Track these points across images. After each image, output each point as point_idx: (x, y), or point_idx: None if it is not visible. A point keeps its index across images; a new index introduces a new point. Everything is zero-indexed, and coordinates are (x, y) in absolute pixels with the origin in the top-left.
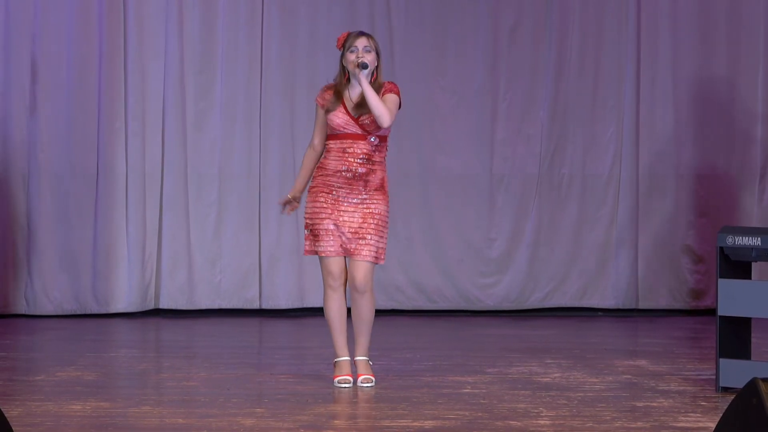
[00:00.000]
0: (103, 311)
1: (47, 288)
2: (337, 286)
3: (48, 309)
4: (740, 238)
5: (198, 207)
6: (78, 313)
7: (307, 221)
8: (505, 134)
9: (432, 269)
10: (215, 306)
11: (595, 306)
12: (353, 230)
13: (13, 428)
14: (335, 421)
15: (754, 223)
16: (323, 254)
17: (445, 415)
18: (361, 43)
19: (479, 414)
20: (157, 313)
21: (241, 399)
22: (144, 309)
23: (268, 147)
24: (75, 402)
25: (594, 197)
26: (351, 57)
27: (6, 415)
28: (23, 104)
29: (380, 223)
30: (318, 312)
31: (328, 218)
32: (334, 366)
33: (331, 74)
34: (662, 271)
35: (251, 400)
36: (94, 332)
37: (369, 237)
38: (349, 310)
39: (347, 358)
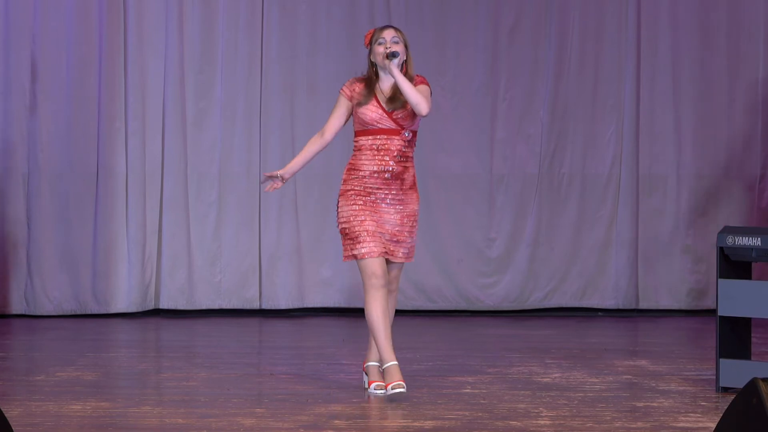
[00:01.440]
0: (103, 311)
1: (47, 288)
2: (380, 285)
3: (48, 309)
4: (740, 238)
5: (198, 207)
6: (78, 313)
7: (344, 226)
8: (505, 134)
9: (432, 269)
10: (215, 306)
11: (595, 306)
12: (392, 233)
13: (13, 428)
14: (335, 421)
15: (754, 223)
16: (364, 256)
17: (445, 415)
18: (389, 34)
19: (479, 414)
20: (157, 313)
21: (241, 399)
22: (144, 309)
23: (268, 146)
24: (75, 402)
25: (594, 197)
26: (379, 49)
27: (6, 415)
28: (23, 104)
29: (414, 223)
30: (318, 312)
31: (369, 220)
32: (375, 372)
33: (330, 74)
34: (662, 271)
35: (251, 400)
36: (93, 332)
37: (404, 240)
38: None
39: (396, 362)
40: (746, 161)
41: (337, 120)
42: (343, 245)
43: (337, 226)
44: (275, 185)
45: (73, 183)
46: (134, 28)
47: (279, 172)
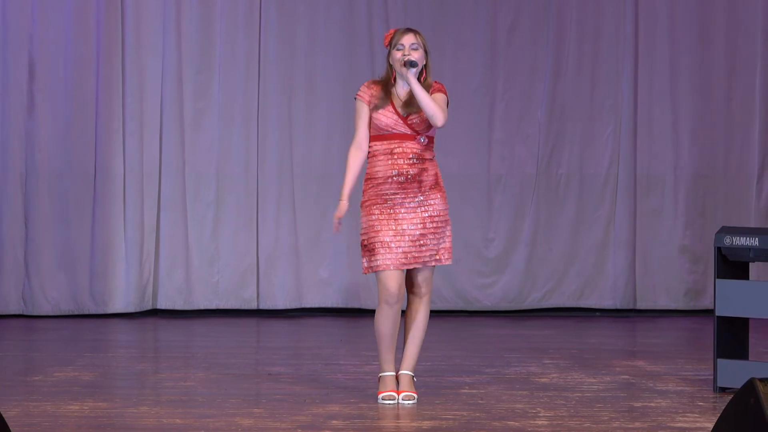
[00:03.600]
0: (100, 311)
1: (45, 288)
2: (393, 302)
3: (45, 309)
4: (738, 238)
5: (196, 207)
6: (75, 313)
7: (363, 238)
8: (503, 134)
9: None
10: (213, 306)
11: (593, 306)
12: (414, 238)
13: (11, 429)
14: (333, 422)
15: (752, 223)
16: (380, 269)
17: (443, 415)
18: (408, 40)
19: (477, 414)
20: (155, 313)
21: (239, 399)
22: (142, 309)
23: (265, 147)
24: (73, 402)
25: (592, 197)
26: (398, 55)
27: (4, 415)
28: (21, 104)
29: (440, 223)
30: (316, 312)
31: (384, 230)
32: (379, 381)
33: (329, 75)
34: (660, 272)
35: (249, 400)
36: (91, 332)
37: (429, 243)
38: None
39: (393, 373)
40: (744, 161)
41: (366, 128)
42: (363, 257)
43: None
44: (340, 221)
45: (70, 183)
46: (132, 28)
47: (343, 208)
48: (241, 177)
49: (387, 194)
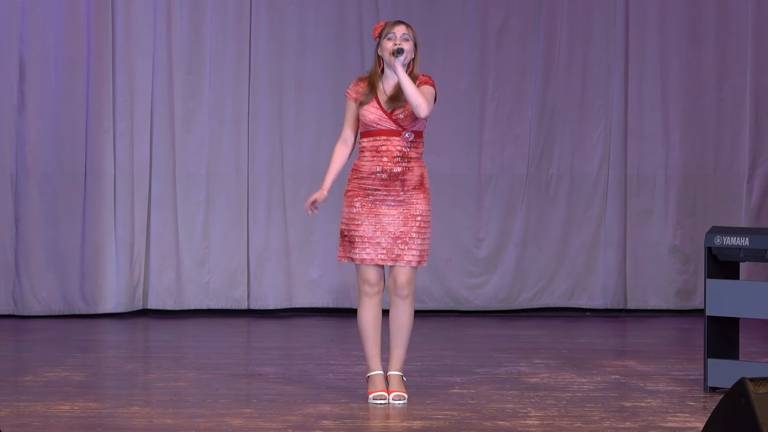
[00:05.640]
0: (91, 311)
1: (35, 288)
2: (373, 293)
3: (36, 309)
4: (728, 238)
5: (186, 207)
6: (66, 313)
7: (343, 227)
8: (494, 134)
9: (420, 269)
10: (203, 306)
11: (584, 306)
12: (395, 235)
13: (2, 429)
14: (323, 422)
15: (742, 223)
16: (359, 261)
17: (434, 415)
18: (400, 30)
19: (467, 414)
20: (145, 313)
21: (230, 399)
22: (132, 309)
23: (256, 147)
24: (63, 402)
25: (582, 197)
26: (388, 45)
27: None
28: (11, 104)
29: (422, 224)
30: (306, 312)
31: (365, 224)
32: (367, 381)
33: (319, 74)
34: (650, 271)
35: (239, 400)
36: (82, 333)
37: (411, 241)
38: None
39: (381, 372)
40: (734, 161)
41: (353, 125)
42: (340, 245)
43: (340, 226)
44: (317, 206)
45: (61, 183)
46: (122, 28)
47: (322, 195)
48: (232, 177)
49: (369, 189)
